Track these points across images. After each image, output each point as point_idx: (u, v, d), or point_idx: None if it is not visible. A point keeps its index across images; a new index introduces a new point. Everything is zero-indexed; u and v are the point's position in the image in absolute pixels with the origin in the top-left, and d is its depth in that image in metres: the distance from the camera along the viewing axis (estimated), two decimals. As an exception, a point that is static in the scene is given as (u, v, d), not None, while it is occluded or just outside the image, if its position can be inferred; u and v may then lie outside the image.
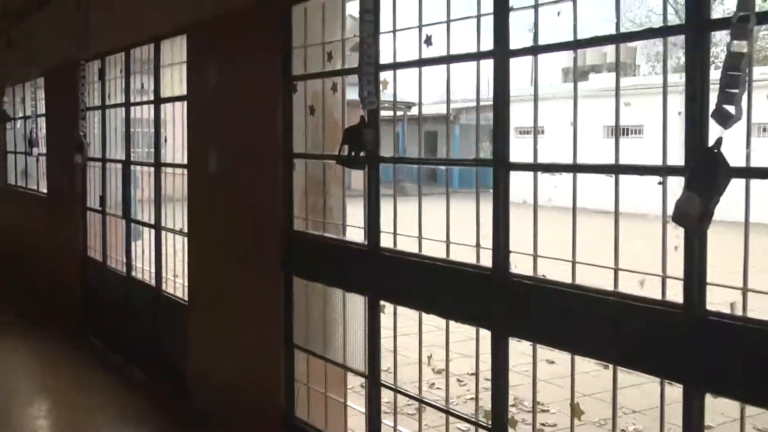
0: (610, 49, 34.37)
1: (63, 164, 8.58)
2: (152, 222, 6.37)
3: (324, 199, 4.53)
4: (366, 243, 3.83)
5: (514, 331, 3.05)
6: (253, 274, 4.76)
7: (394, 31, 3.66)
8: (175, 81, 5.95)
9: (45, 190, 9.67)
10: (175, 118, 5.99)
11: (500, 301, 3.06)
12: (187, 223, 5.63)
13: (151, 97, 6.44)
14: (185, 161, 5.73)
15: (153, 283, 6.40)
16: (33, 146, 9.67)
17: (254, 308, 4.76)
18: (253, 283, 4.76)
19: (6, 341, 8.13)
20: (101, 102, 7.57)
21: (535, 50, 2.97)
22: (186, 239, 5.79)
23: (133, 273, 6.96)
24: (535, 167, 3.02)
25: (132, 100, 6.83)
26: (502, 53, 3.03)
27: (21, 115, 11.09)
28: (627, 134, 26.41)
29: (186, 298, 5.71)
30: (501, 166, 3.05)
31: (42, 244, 9.59)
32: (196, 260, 5.50)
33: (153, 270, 6.52)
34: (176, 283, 6.13)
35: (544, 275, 2.94)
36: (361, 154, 3.70)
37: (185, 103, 5.66)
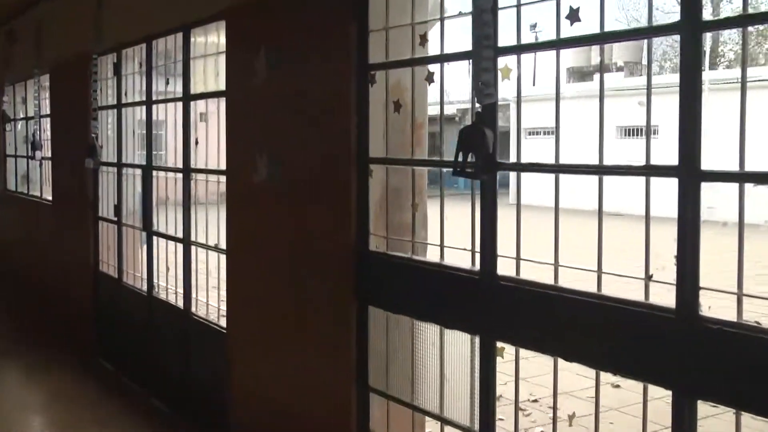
0: (617, 49, 33.72)
1: (72, 169, 7.81)
2: (180, 236, 5.61)
3: (410, 212, 3.80)
4: (478, 269, 3.09)
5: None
6: (315, 301, 4.00)
7: (519, 5, 2.93)
8: (209, 75, 5.20)
9: (50, 197, 8.89)
10: (206, 119, 5.25)
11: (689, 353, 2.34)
12: (225, 239, 4.87)
13: (178, 94, 5.68)
14: (221, 167, 4.98)
15: (181, 304, 5.63)
16: (36, 149, 8.89)
17: (317, 342, 4.01)
18: (316, 313, 4.01)
19: (6, 368, 7.35)
20: (116, 100, 6.81)
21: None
22: (223, 257, 5.04)
23: (156, 292, 6.19)
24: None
25: (154, 98, 6.06)
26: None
27: (22, 115, 10.30)
28: (641, 135, 25.76)
29: (224, 325, 4.95)
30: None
31: (47, 256, 8.81)
32: (239, 282, 4.75)
33: (180, 290, 5.77)
34: (209, 307, 5.37)
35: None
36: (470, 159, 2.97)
37: (222, 100, 4.90)
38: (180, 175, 5.62)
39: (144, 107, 6.20)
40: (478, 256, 3.13)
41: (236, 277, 4.79)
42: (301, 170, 4.12)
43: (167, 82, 5.81)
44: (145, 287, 6.37)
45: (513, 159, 3.16)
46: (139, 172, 6.55)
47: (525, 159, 3.14)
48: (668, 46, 36.64)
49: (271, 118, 4.38)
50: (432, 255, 3.73)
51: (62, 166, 8.10)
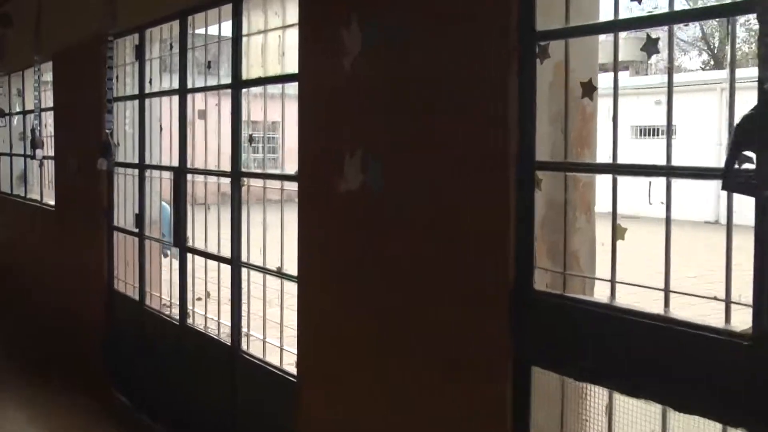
0: (621, 47, 32.73)
1: (80, 170, 6.72)
2: (226, 254, 4.54)
3: (576, 236, 2.81)
4: (731, 329, 2.06)
5: None
6: (446, 358, 2.95)
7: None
8: (270, 56, 4.14)
9: (52, 202, 7.79)
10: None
11: None
12: (297, 263, 3.81)
13: (223, 81, 4.62)
14: (289, 170, 3.93)
15: (225, 338, 4.58)
16: (36, 147, 7.78)
17: (448, 414, 2.95)
18: (449, 374, 2.95)
19: (3, 402, 6.26)
20: (138, 90, 5.73)
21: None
22: (291, 284, 4.00)
23: (190, 321, 5.13)
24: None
25: (191, 86, 4.99)
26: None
27: (18, 109, 9.19)
28: (658, 134, 24.88)
29: (294, 372, 3.89)
30: None
31: (48, 270, 7.70)
32: (318, 320, 3.69)
33: (222, 320, 4.72)
34: (266, 344, 4.32)
35: None
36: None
37: (293, 86, 3.86)
38: (226, 181, 4.56)
39: (176, 98, 5.13)
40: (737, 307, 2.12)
41: (313, 314, 3.73)
42: (417, 177, 3.06)
43: (208, 66, 4.74)
44: (175, 314, 5.31)
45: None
46: (167, 175, 5.48)
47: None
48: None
49: (368, 109, 3.33)
50: (600, 294, 2.74)
51: (68, 166, 7.00)
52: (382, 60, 3.23)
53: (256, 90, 4.37)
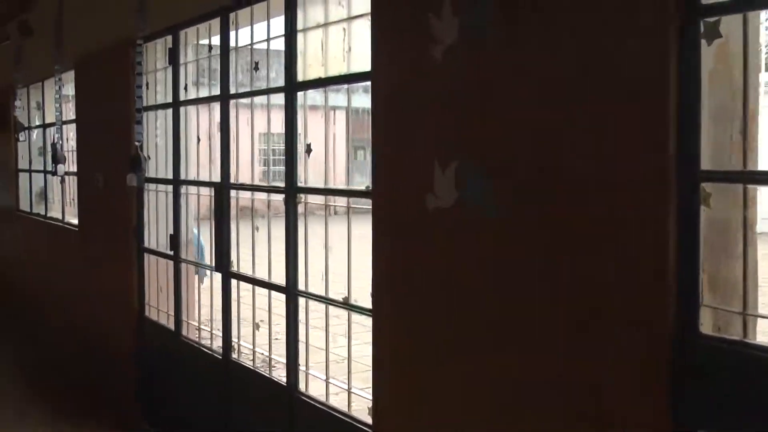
0: None
1: (107, 187, 6.19)
2: (280, 282, 3.97)
3: (738, 262, 2.23)
4: None
5: None
6: (584, 421, 2.36)
7: None
8: (333, 52, 3.58)
9: (75, 221, 7.26)
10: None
11: None
12: (372, 293, 3.23)
13: (274, 84, 4.07)
14: (356, 185, 3.37)
15: (280, 377, 4.01)
16: (58, 162, 7.25)
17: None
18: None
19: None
20: (172, 97, 5.19)
21: None
22: (362, 318, 3.43)
23: (235, 355, 4.56)
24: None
25: (234, 91, 4.44)
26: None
27: (38, 123, 8.70)
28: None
29: (370, 422, 3.31)
30: None
31: (72, 295, 7.16)
32: (401, 362, 3.11)
33: (276, 356, 4.15)
34: (330, 385, 3.74)
35: None
36: None
37: (361, 87, 3.30)
38: (278, 198, 4.00)
39: (216, 105, 4.58)
40: None
41: (392, 355, 3.14)
42: (537, 195, 2.49)
43: (255, 68, 4.19)
44: (218, 346, 4.75)
45: None
46: (205, 191, 4.93)
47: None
48: None
49: (467, 111, 2.76)
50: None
51: (93, 182, 6.46)
52: (487, 49, 2.66)
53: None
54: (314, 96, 3.84)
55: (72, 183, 7.45)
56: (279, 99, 3.92)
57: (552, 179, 2.44)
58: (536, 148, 2.48)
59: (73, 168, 7.34)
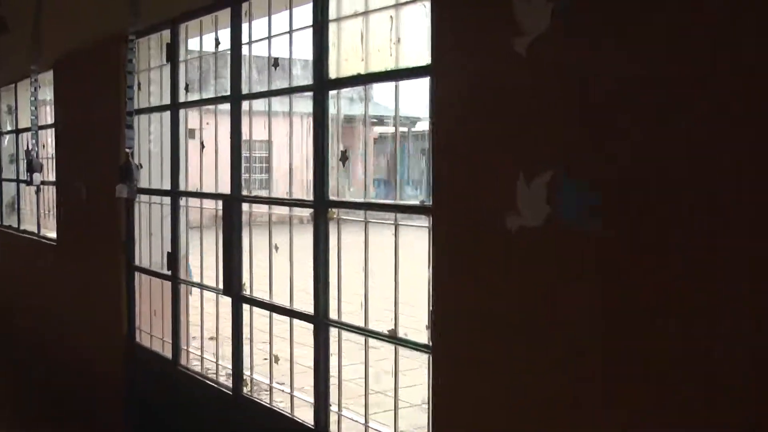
0: None
1: (91, 198, 5.62)
2: (307, 309, 3.46)
3: None
4: None
5: None
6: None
7: None
8: (376, 44, 3.08)
9: (53, 234, 6.66)
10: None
11: None
12: (432, 326, 2.73)
13: (298, 82, 3.57)
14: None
15: (307, 419, 3.49)
16: (33, 171, 6.67)
17: None
18: None
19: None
20: (170, 99, 4.64)
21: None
22: (416, 355, 2.93)
23: (247, 391, 4.03)
24: None
25: (247, 90, 3.92)
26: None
27: (9, 128, 8.05)
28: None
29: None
30: None
31: (51, 316, 6.55)
32: (471, 412, 2.60)
33: (295, 391, 3.63)
34: (369, 430, 3.22)
35: None
36: None
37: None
38: (303, 214, 3.49)
39: (225, 107, 4.05)
40: None
41: (462, 403, 2.64)
42: (659, 211, 2.01)
43: (275, 65, 3.67)
44: (224, 379, 4.21)
45: None
46: (210, 203, 4.40)
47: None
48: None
49: (564, 110, 2.28)
50: None
51: (73, 193, 5.87)
52: (591, 38, 2.18)
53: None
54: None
55: (49, 193, 6.84)
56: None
57: (679, 193, 1.96)
58: (658, 155, 2.01)
59: (51, 177, 6.74)
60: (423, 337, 2.90)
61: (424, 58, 2.83)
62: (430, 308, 2.73)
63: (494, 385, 2.52)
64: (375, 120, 27.05)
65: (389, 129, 26.74)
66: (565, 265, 2.28)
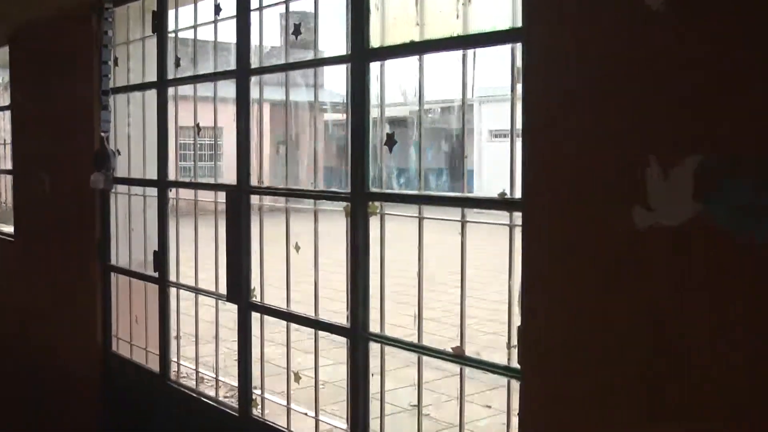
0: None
1: (57, 189, 4.97)
2: (342, 322, 2.93)
3: None
4: None
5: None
6: None
7: None
8: (434, 9, 2.56)
9: (10, 229, 5.97)
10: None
11: None
12: (521, 346, 2.24)
13: (318, 52, 3.03)
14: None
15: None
16: (-15, 159, 5.97)
17: None
18: None
19: None
20: (157, 75, 4.03)
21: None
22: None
23: (257, 412, 3.48)
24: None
25: (257, 64, 3.35)
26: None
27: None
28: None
29: None
30: None
31: (7, 327, 5.86)
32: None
33: (320, 414, 3.11)
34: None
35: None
36: None
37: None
38: (333, 210, 2.96)
39: (230, 84, 3.48)
40: None
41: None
42: None
43: (296, 33, 3.11)
44: (227, 398, 3.66)
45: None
46: (207, 195, 3.84)
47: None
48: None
49: (715, 78, 1.81)
50: None
51: (35, 184, 5.20)
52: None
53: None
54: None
55: (4, 184, 6.15)
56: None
57: None
58: None
59: (5, 165, 6.04)
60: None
61: (502, 20, 2.34)
62: (520, 324, 2.25)
63: (605, 424, 2.04)
64: (326, 107, 26.28)
65: (341, 116, 26.00)
66: (714, 279, 1.82)
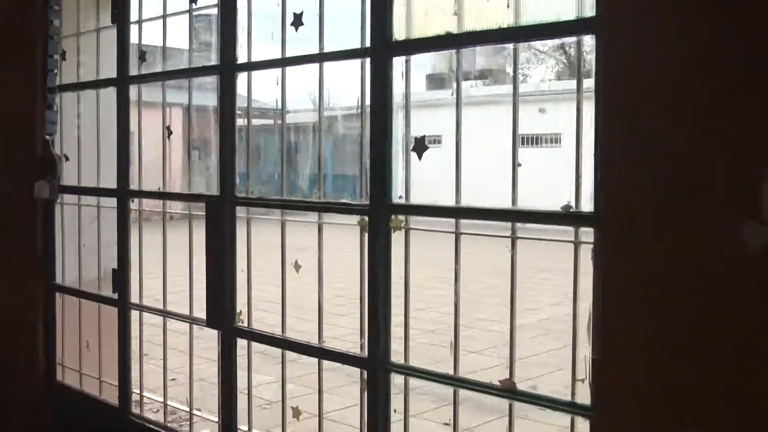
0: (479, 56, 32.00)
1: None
2: (355, 350, 2.58)
3: None
4: None
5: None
6: None
7: None
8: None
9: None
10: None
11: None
12: (594, 381, 1.95)
13: (325, 45, 2.68)
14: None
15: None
16: None
17: None
18: None
19: None
20: (118, 71, 3.57)
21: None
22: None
23: (244, 450, 3.09)
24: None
25: (245, 59, 2.97)
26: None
27: None
28: (543, 143, 24.35)
29: None
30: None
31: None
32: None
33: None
34: None
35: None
36: None
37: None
38: (331, 222, 2.62)
39: (214, 80, 3.08)
40: None
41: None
42: None
43: (296, 24, 2.74)
44: (204, 435, 3.26)
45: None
46: (179, 207, 3.42)
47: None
48: (532, 54, 35.49)
49: None
50: None
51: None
52: None
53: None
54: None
55: None
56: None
57: None
58: None
59: None
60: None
61: (565, 9, 2.05)
62: (592, 356, 1.96)
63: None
64: (239, 112, 25.52)
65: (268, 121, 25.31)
66: None
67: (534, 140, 24.63)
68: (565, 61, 35.75)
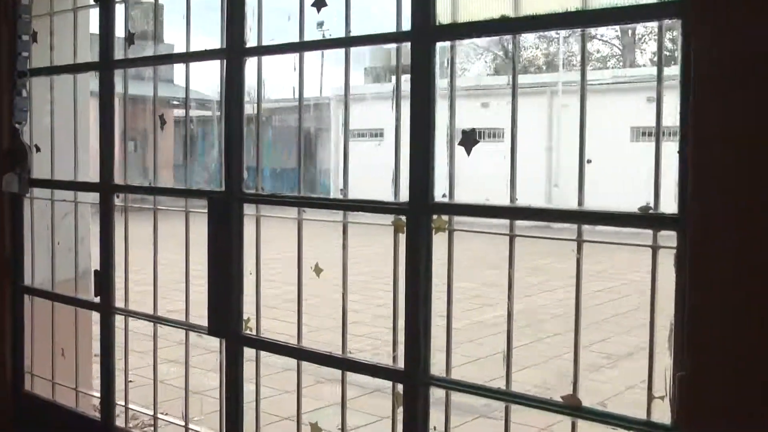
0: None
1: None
2: (390, 363, 2.37)
3: None
4: None
5: None
6: None
7: None
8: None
9: None
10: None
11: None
12: (676, 400, 1.79)
13: (350, 28, 2.45)
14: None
15: None
16: None
17: None
18: None
19: None
20: (100, 54, 3.26)
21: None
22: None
23: (251, 468, 2.84)
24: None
25: (255, 42, 2.71)
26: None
27: None
28: (486, 137, 24.42)
29: None
30: None
31: None
32: None
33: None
34: None
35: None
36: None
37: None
38: (377, 222, 2.40)
39: (211, 68, 2.81)
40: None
41: None
42: None
43: (319, 5, 2.50)
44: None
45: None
46: (179, 203, 3.15)
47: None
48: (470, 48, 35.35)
49: None
50: None
51: None
52: None
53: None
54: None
55: None
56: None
57: None
58: None
59: None
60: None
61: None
62: (679, 372, 1.80)
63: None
64: (177, 102, 25.05)
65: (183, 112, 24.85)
66: None
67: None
68: (502, 55, 35.34)
